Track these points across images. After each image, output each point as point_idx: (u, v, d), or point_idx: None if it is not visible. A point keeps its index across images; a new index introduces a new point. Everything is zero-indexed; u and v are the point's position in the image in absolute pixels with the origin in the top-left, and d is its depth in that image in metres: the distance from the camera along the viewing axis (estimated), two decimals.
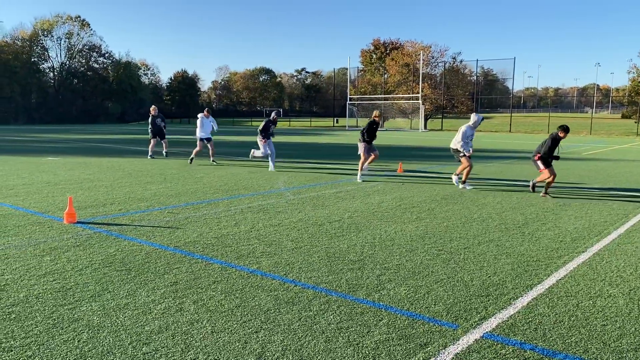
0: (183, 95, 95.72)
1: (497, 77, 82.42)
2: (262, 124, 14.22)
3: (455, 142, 11.00)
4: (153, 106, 18.21)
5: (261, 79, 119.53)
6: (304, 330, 3.83)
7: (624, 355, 3.52)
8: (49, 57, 75.68)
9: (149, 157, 17.30)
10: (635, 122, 47.84)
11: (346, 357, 3.44)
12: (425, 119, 53.54)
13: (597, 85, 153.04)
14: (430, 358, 3.44)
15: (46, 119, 68.30)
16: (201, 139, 15.66)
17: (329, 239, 6.49)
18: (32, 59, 72.63)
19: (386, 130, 51.38)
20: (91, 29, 78.04)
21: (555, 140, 9.83)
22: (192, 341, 3.63)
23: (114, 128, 50.99)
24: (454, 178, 11.30)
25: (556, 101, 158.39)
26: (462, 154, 10.87)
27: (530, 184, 10.45)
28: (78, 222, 7.27)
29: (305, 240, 6.45)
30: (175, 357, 3.40)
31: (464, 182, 11.00)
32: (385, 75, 62.56)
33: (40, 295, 4.46)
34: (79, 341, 3.61)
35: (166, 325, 3.88)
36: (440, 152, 21.24)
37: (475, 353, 3.51)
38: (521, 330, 3.87)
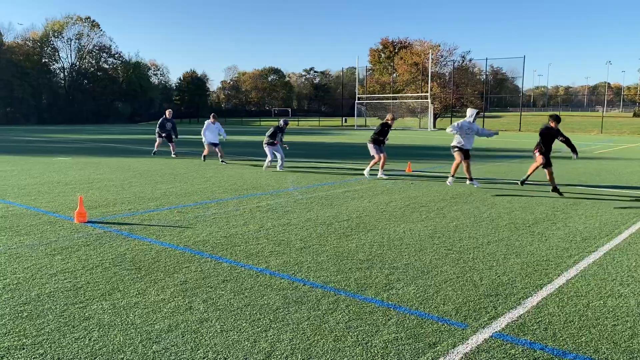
0: (192, 96, 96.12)
1: (507, 75, 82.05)
2: (271, 130, 14.05)
3: (454, 140, 11.04)
4: (169, 110, 18.41)
5: (270, 78, 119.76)
6: (313, 330, 3.84)
7: (635, 355, 3.49)
8: (59, 57, 76.36)
9: (152, 154, 17.76)
10: None
11: (355, 356, 3.44)
12: (434, 118, 53.34)
13: (608, 83, 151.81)
14: (439, 357, 3.44)
15: (57, 120, 68.87)
16: (209, 143, 15.80)
17: (338, 239, 6.50)
18: (43, 60, 73.30)
19: (395, 129, 51.28)
20: (101, 30, 78.65)
21: (545, 134, 9.75)
22: (202, 340, 3.66)
23: (124, 128, 51.29)
24: (467, 182, 11.17)
25: (566, 100, 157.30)
26: (456, 149, 10.88)
27: (521, 180, 10.62)
28: (89, 222, 7.33)
29: (314, 239, 6.46)
30: (184, 356, 3.42)
31: (452, 176, 10.96)
32: (394, 75, 62.40)
33: (52, 293, 4.50)
34: (89, 339, 3.64)
35: (176, 324, 3.90)
36: (450, 152, 21.12)
37: (484, 353, 3.50)
38: (531, 330, 3.85)
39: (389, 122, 12.73)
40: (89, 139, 30.27)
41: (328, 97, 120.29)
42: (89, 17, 77.26)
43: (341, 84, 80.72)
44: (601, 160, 18.30)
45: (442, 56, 58.02)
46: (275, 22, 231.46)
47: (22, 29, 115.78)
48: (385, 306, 4.29)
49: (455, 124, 10.96)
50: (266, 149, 14.03)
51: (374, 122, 46.27)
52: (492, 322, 4.00)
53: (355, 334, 3.78)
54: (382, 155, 12.47)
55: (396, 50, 68.40)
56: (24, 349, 3.50)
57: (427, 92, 52.18)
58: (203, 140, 15.96)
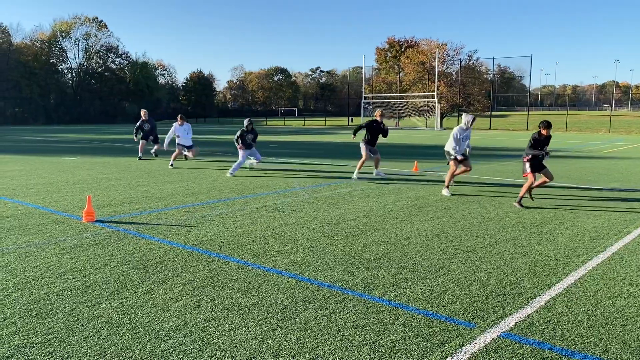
0: (199, 95, 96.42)
1: (514, 74, 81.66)
2: (237, 132, 13.07)
3: (448, 145, 10.19)
4: (144, 110, 17.49)
5: (276, 78, 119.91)
6: (320, 329, 3.84)
7: None
8: (67, 58, 76.86)
9: (138, 159, 16.76)
10: None
11: (362, 356, 3.45)
12: (441, 118, 53.23)
13: (617, 82, 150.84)
14: (447, 357, 3.43)
15: (64, 119, 69.30)
16: (179, 145, 14.76)
17: (345, 238, 6.50)
18: (51, 60, 73.77)
19: (401, 129, 51.21)
20: (108, 30, 79.08)
21: (536, 140, 8.67)
22: (210, 338, 3.67)
23: (131, 128, 51.51)
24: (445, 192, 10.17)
25: (574, 99, 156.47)
26: (452, 157, 10.07)
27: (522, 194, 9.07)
28: (97, 221, 7.37)
29: (321, 239, 6.46)
30: (192, 354, 3.44)
31: (447, 187, 10.11)
32: (401, 74, 62.30)
33: (61, 292, 4.53)
34: (98, 338, 3.66)
35: (184, 323, 3.92)
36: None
37: (492, 352, 3.50)
38: (539, 330, 3.84)
39: (377, 118, 11.99)
40: (97, 139, 30.43)
41: (334, 96, 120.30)
42: (97, 18, 77.76)
43: (347, 83, 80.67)
44: (609, 159, 18.19)
45: (448, 55, 57.93)
46: (281, 22, 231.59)
47: (31, 30, 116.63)
48: (393, 305, 4.29)
49: (453, 141, 10.00)
50: (240, 151, 13.07)
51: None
52: (500, 321, 3.99)
53: (362, 333, 3.78)
54: (374, 156, 12.15)
55: (402, 50, 68.32)
56: (33, 347, 3.52)
57: (433, 91, 52.07)
58: (165, 143, 15.20)
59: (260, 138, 14.80)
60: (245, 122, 13.14)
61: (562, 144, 26.60)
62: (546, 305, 4.31)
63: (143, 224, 7.25)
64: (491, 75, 59.48)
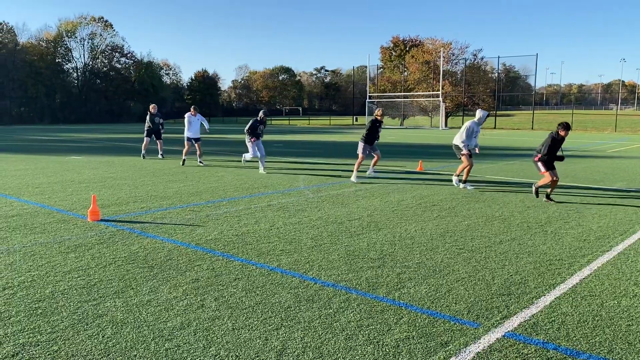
0: (204, 95, 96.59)
1: (519, 73, 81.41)
2: (249, 123, 13.27)
3: (458, 139, 10.50)
4: (153, 105, 17.70)
5: (281, 77, 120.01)
6: (324, 328, 3.84)
7: None
8: (72, 57, 77.12)
9: (142, 157, 16.97)
10: None
11: (366, 355, 3.44)
12: (446, 117, 53.11)
13: (623, 81, 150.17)
14: (451, 357, 3.42)
15: (70, 119, 69.54)
16: (188, 139, 15.14)
17: (349, 237, 6.49)
18: (57, 60, 74.05)
19: (406, 128, 51.14)
20: (114, 30, 79.29)
21: (555, 140, 8.93)
22: (214, 337, 3.67)
23: (136, 127, 51.61)
24: (454, 179, 10.86)
25: (580, 98, 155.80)
26: (463, 152, 10.39)
27: (533, 188, 9.38)
28: (102, 220, 7.40)
29: (325, 238, 6.46)
30: (196, 353, 3.44)
31: (464, 182, 10.54)
32: (405, 73, 62.20)
33: (66, 291, 4.55)
34: (103, 336, 3.67)
35: (188, 322, 3.92)
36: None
37: (496, 352, 3.49)
38: (544, 330, 3.82)
39: (379, 117, 12.07)
40: (102, 138, 30.52)
41: (339, 95, 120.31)
42: (102, 17, 78.01)
43: (352, 82, 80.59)
44: (615, 159, 18.10)
45: (453, 54, 57.84)
46: (286, 21, 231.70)
47: (36, 30, 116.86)
48: (397, 305, 4.29)
49: (464, 133, 10.37)
50: (249, 145, 13.24)
51: (385, 121, 46.09)
52: (504, 321, 3.97)
53: (366, 332, 3.77)
54: (375, 154, 12.16)
55: (407, 49, 68.26)
56: (38, 345, 3.54)
57: (438, 90, 51.94)
58: (186, 136, 15.24)
59: (265, 137, 14.83)
60: (261, 113, 13.44)
61: (567, 143, 26.48)
62: (551, 305, 4.30)
63: (147, 223, 7.27)
64: (496, 74, 59.30)
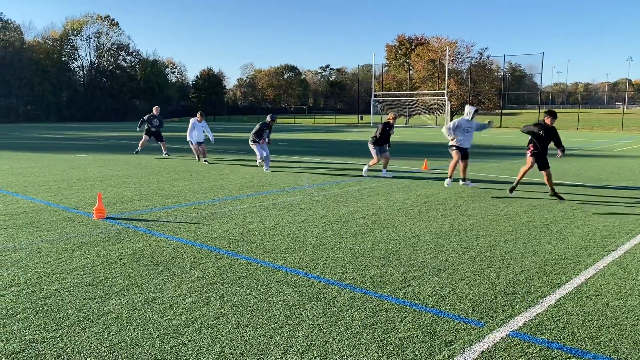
0: (209, 93, 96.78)
1: (525, 72, 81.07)
2: (257, 126, 13.30)
3: (444, 130, 10.74)
4: (156, 107, 17.65)
5: (286, 76, 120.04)
6: (329, 326, 3.84)
7: None
8: (78, 56, 77.55)
9: (135, 153, 17.75)
10: None
11: (370, 353, 3.44)
12: (451, 116, 52.95)
13: (629, 80, 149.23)
14: (455, 355, 3.42)
15: (76, 117, 69.87)
16: (196, 143, 15.36)
17: (353, 236, 6.49)
18: (63, 58, 74.41)
19: (411, 127, 51.06)
20: (120, 29, 79.63)
21: (542, 129, 8.83)
22: (218, 335, 3.69)
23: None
24: (457, 181, 10.88)
25: (586, 97, 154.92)
26: (453, 148, 10.54)
27: (509, 188, 9.53)
28: (107, 218, 7.43)
29: (330, 236, 6.46)
30: (201, 351, 3.46)
31: (450, 177, 10.69)
32: (411, 72, 62.10)
33: (71, 288, 4.58)
34: (108, 334, 3.69)
35: (193, 320, 3.94)
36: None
37: (501, 351, 3.48)
38: (548, 329, 3.81)
39: (391, 121, 12.12)
40: (108, 136, 30.63)
41: (344, 94, 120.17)
42: (109, 16, 78.35)
43: (357, 81, 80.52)
44: (621, 158, 18.01)
45: (459, 53, 57.69)
46: (291, 19, 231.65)
47: (42, 28, 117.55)
48: (401, 304, 4.28)
49: (451, 124, 10.55)
50: (253, 147, 13.25)
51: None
52: (509, 320, 3.97)
53: (370, 331, 3.77)
54: (383, 156, 12.17)
55: (412, 47, 68.11)
56: (44, 342, 3.56)
57: (444, 89, 51.83)
58: (189, 140, 15.48)
59: (270, 136, 14.80)
60: (269, 117, 13.39)
61: (573, 142, 26.37)
62: (556, 305, 4.28)
63: (153, 221, 7.30)
64: (502, 73, 59.08)
